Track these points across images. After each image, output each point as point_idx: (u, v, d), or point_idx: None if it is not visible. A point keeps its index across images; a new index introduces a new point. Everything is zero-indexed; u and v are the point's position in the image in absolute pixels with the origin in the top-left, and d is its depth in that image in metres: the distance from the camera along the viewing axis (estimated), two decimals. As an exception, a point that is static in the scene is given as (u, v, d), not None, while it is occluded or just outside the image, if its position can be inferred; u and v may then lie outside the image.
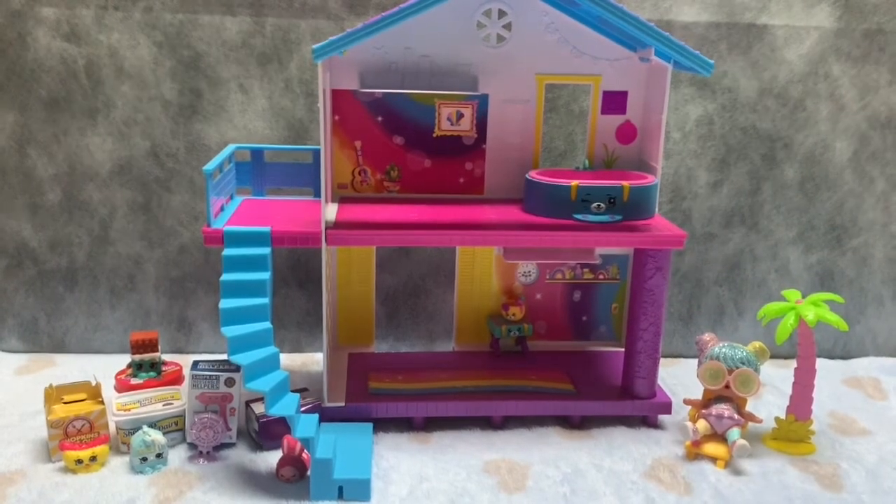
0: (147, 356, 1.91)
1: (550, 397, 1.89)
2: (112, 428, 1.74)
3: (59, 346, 2.26)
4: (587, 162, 2.00)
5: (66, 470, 1.64)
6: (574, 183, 1.77)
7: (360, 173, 1.99)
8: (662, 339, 1.89)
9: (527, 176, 1.87)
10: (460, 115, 1.96)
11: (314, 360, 2.25)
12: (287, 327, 2.28)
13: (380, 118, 1.95)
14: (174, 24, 2.07)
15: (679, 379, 2.17)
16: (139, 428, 1.67)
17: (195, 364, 1.78)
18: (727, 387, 1.80)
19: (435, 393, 1.89)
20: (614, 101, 1.98)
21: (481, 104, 1.95)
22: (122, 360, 2.00)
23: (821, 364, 1.92)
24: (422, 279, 2.28)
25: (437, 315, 2.30)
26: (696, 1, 2.13)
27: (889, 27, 2.19)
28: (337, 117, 1.94)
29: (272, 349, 1.61)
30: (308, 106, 2.14)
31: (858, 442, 1.87)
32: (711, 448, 1.76)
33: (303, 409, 1.68)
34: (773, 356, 1.95)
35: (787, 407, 1.86)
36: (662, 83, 1.84)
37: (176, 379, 1.94)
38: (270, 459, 1.70)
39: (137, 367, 1.91)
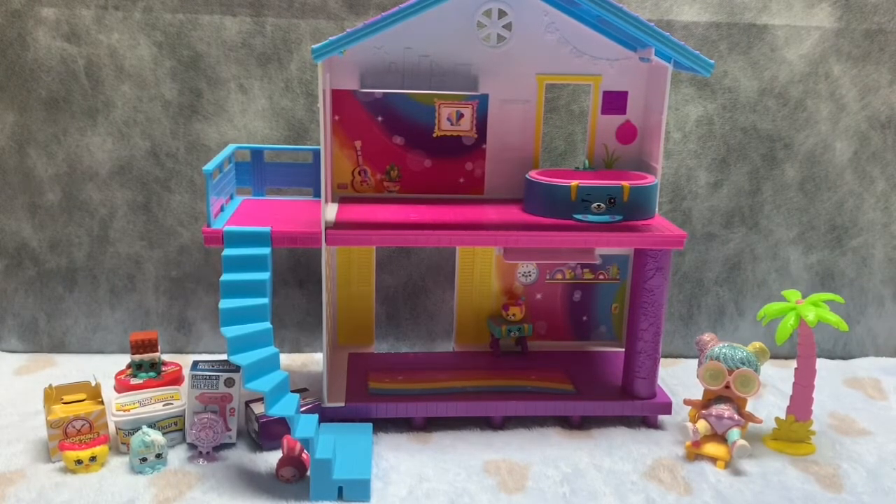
0: (147, 356, 1.91)
1: (550, 397, 1.89)
2: (112, 428, 1.73)
3: (59, 346, 2.26)
4: (587, 162, 2.00)
5: (65, 470, 1.64)
6: (574, 183, 1.77)
7: (360, 173, 1.99)
8: (662, 339, 1.89)
9: (527, 176, 1.87)
10: (460, 115, 1.96)
11: (314, 360, 2.25)
12: (287, 327, 2.28)
13: (380, 118, 1.95)
14: (174, 24, 2.07)
15: (679, 379, 2.17)
16: (139, 428, 1.67)
17: (195, 364, 1.78)
18: (727, 387, 1.80)
19: (435, 393, 1.89)
20: (614, 101, 1.98)
21: (481, 104, 1.95)
22: (122, 361, 2.01)
23: (821, 364, 1.92)
24: (422, 279, 2.28)
25: (437, 315, 2.30)
26: (697, 1, 2.13)
27: (889, 27, 2.19)
28: (337, 117, 1.94)
29: (272, 349, 1.61)
30: (308, 106, 2.14)
31: (858, 442, 1.87)
32: (711, 448, 1.76)
33: (302, 409, 1.68)
34: (773, 356, 1.96)
35: (788, 407, 1.86)
36: (662, 83, 1.84)
37: (176, 379, 1.94)
38: (270, 460, 1.70)
39: (137, 368, 1.91)
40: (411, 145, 1.97)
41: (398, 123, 1.95)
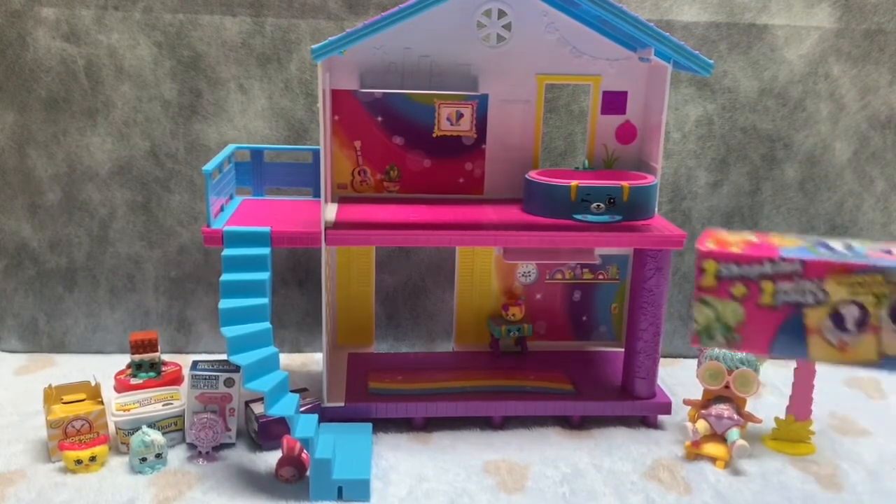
0: (146, 356, 1.91)
1: (550, 397, 1.89)
2: (111, 428, 1.73)
3: (59, 346, 2.26)
4: (587, 162, 2.00)
5: (65, 470, 1.64)
6: (574, 183, 1.77)
7: (359, 173, 1.99)
8: (662, 339, 1.89)
9: (526, 176, 1.87)
10: (460, 115, 1.96)
11: (314, 360, 2.25)
12: (287, 327, 2.28)
13: (379, 118, 1.95)
14: (174, 24, 2.07)
15: (679, 379, 2.17)
16: (138, 428, 1.67)
17: (194, 364, 1.78)
18: (727, 387, 1.80)
19: (435, 393, 1.89)
20: (614, 101, 1.98)
21: (481, 104, 1.95)
22: (122, 361, 2.00)
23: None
24: (422, 279, 2.28)
25: (437, 315, 2.30)
26: (696, 1, 2.13)
27: (889, 27, 2.19)
28: (337, 117, 1.94)
29: (272, 349, 1.61)
30: (308, 106, 2.14)
31: (858, 442, 1.87)
32: (711, 448, 1.76)
33: (302, 409, 1.68)
34: (772, 356, 1.95)
35: (787, 407, 1.86)
36: (662, 83, 1.84)
37: (175, 379, 1.94)
38: (270, 460, 1.70)
39: (137, 368, 1.91)
40: (411, 145, 1.97)
41: (398, 123, 1.95)
